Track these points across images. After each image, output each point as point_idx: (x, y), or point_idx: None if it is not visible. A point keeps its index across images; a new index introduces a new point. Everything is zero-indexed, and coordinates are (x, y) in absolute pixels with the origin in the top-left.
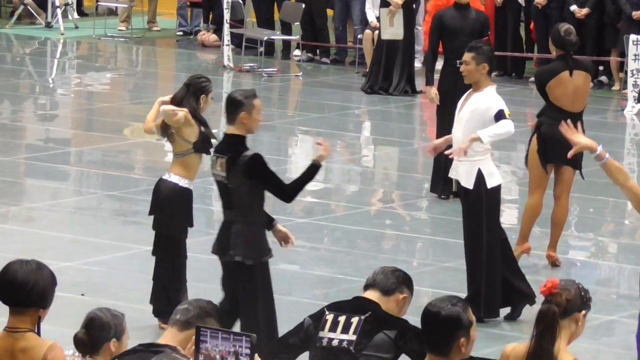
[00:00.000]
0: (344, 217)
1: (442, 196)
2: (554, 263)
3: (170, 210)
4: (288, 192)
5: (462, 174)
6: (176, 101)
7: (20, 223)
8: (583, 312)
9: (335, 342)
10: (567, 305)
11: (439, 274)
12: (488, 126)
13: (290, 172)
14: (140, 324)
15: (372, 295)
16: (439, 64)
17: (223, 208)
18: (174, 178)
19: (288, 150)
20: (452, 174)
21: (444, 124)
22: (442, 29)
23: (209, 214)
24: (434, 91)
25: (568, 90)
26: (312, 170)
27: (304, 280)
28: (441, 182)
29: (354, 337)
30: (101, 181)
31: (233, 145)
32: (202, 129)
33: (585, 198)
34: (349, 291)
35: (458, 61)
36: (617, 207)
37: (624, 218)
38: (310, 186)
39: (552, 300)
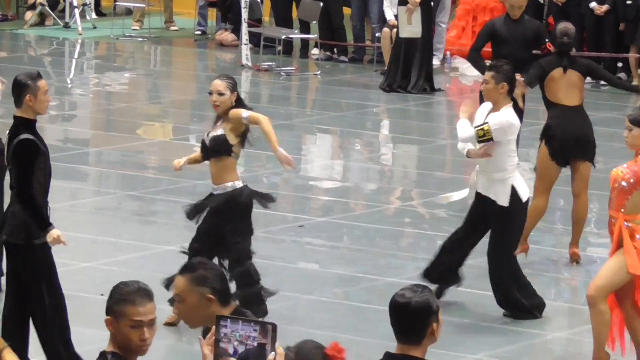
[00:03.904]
0: (363, 216)
1: None
2: (576, 260)
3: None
4: (25, 194)
5: (497, 192)
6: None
7: None
8: None
9: None
10: None
11: None
12: (502, 145)
13: (310, 170)
14: (160, 323)
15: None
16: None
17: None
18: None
19: (306, 148)
20: (485, 191)
21: None
22: (491, 37)
23: None
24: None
25: (562, 84)
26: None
27: (323, 279)
28: None
29: None
30: (120, 181)
31: (16, 127)
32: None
33: (604, 195)
34: (368, 290)
35: None
36: None
37: None
38: (329, 184)
39: None
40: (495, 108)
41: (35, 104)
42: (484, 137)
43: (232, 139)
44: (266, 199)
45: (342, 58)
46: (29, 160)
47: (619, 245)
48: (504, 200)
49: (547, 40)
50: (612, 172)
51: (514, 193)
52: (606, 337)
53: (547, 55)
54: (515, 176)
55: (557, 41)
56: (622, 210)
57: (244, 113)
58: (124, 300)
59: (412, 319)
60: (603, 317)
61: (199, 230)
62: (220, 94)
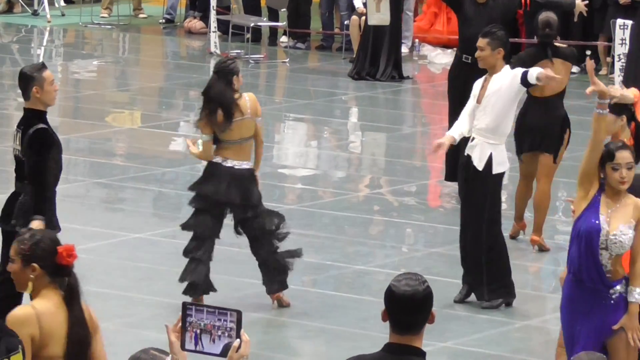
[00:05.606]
0: (331, 204)
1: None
2: (540, 247)
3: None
4: (38, 182)
5: (476, 154)
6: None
7: None
8: None
9: None
10: None
11: (428, 259)
12: (515, 99)
13: (279, 158)
14: (128, 311)
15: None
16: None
17: (15, 179)
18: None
19: (275, 136)
20: (469, 150)
21: (455, 111)
22: (457, 3)
23: None
24: None
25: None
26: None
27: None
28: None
29: None
30: (88, 169)
31: (28, 119)
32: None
33: (571, 183)
34: (337, 278)
35: (464, 55)
36: None
37: None
38: (299, 172)
39: None
40: (494, 71)
41: (43, 95)
42: None
43: None
44: None
45: (299, 45)
46: (45, 150)
47: None
48: (480, 165)
49: (514, 11)
50: None
51: (489, 161)
52: None
53: (531, 46)
54: (499, 146)
55: (540, 33)
56: None
57: None
58: None
59: (419, 311)
60: None
61: None
62: None
